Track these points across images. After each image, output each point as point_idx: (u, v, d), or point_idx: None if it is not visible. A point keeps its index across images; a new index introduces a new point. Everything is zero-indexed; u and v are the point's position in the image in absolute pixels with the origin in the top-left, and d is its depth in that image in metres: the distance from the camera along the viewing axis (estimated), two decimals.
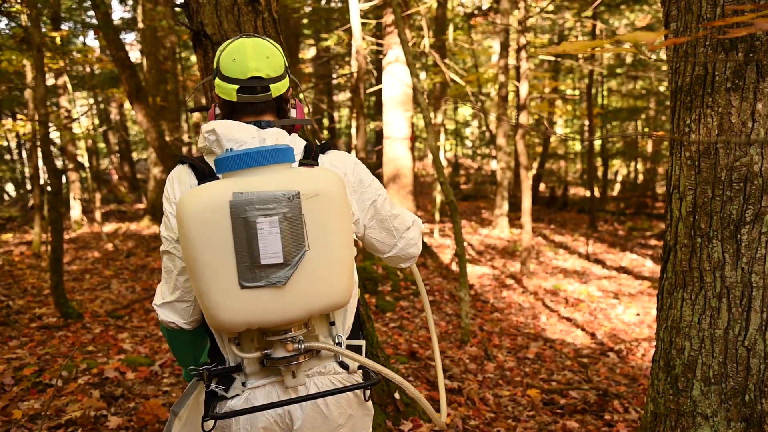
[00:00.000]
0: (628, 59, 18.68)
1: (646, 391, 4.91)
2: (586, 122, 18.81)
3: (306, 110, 2.07)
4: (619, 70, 19.07)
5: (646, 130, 21.40)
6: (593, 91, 17.88)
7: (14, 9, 9.71)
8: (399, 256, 1.97)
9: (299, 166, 1.73)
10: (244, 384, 1.70)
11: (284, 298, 1.54)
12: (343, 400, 1.74)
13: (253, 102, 1.79)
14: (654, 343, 6.51)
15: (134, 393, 4.33)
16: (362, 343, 1.80)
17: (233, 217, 1.48)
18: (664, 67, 17.16)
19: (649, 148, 21.17)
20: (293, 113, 1.91)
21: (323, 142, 1.85)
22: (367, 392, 1.79)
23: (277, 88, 1.81)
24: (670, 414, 2.64)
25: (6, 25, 14.53)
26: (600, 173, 20.84)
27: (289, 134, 1.83)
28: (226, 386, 1.69)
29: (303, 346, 1.62)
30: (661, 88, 19.35)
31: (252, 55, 1.79)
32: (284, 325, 1.59)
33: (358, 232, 1.89)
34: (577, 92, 21.49)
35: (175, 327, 1.77)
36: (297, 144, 1.80)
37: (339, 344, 1.73)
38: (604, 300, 9.29)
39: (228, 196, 1.48)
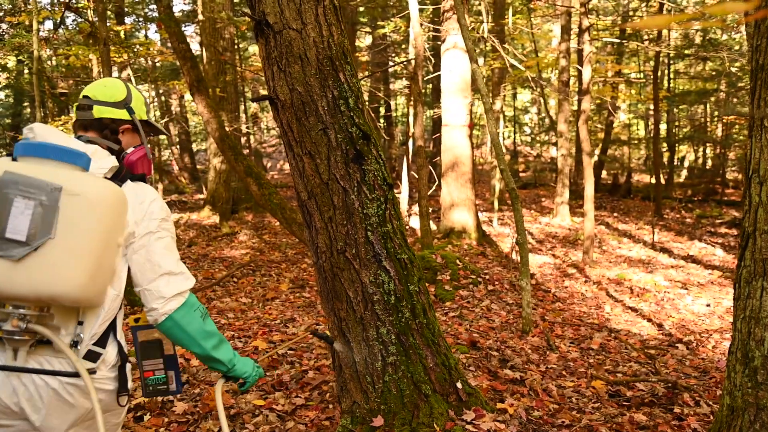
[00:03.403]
0: (698, 39, 17.97)
1: (718, 385, 4.73)
2: (651, 106, 18.22)
3: (149, 158, 2.20)
4: (687, 51, 18.36)
5: (716, 113, 20.60)
6: (659, 73, 17.27)
7: (81, 5, 10.02)
8: (151, 291, 1.95)
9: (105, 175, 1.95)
10: None
11: (15, 273, 1.69)
12: (66, 401, 1.83)
13: (82, 118, 2.12)
14: (728, 335, 6.22)
15: (199, 379, 4.42)
16: (103, 351, 1.90)
17: None
18: (737, 47, 16.45)
19: (719, 132, 20.36)
20: (131, 150, 2.13)
21: (140, 174, 2.08)
22: (122, 397, 1.97)
23: (100, 111, 2.11)
24: (749, 408, 2.53)
25: (73, 21, 15.01)
26: (666, 159, 20.18)
27: (121, 164, 2.05)
28: None
29: (26, 326, 1.74)
30: (734, 69, 18.55)
31: (94, 83, 2.20)
32: (12, 298, 1.73)
33: (127, 254, 1.97)
34: (641, 75, 20.82)
35: None
36: (106, 164, 1.97)
37: (77, 343, 1.83)
38: (672, 290, 8.99)
39: (1, 172, 1.72)
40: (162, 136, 25.45)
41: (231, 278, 9.39)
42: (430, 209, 11.78)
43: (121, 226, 1.89)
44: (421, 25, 9.72)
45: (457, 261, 8.17)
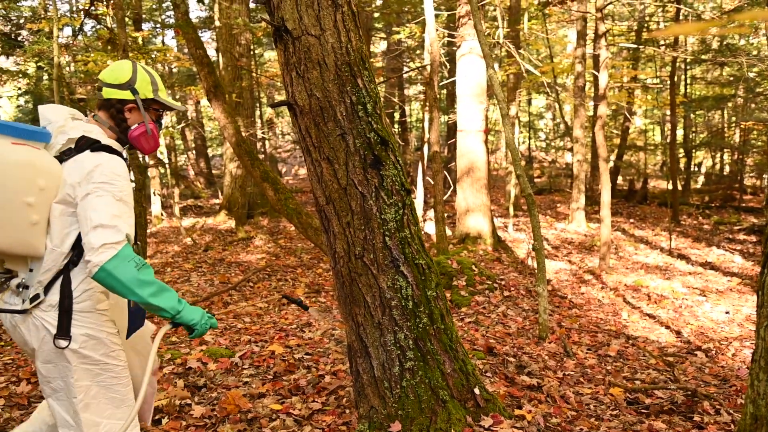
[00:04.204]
0: (715, 44, 17.82)
1: (739, 393, 4.67)
2: (668, 112, 18.09)
3: (150, 134, 2.52)
4: (704, 56, 18.21)
5: (734, 119, 20.40)
6: (675, 78, 17.13)
7: (101, 12, 10.12)
8: (86, 244, 2.17)
9: (64, 153, 2.31)
10: None
11: None
12: (32, 331, 2.26)
13: (98, 99, 2.48)
14: (748, 343, 6.13)
15: (216, 383, 4.43)
16: (42, 296, 2.24)
17: None
18: (755, 52, 16.30)
19: (737, 137, 20.16)
20: (134, 127, 2.48)
21: (100, 143, 2.32)
22: (58, 341, 2.23)
23: (108, 92, 2.44)
24: None
25: (91, 27, 15.17)
26: (682, 165, 20.01)
27: (124, 142, 2.49)
28: None
29: None
30: (752, 74, 18.37)
31: (108, 67, 2.52)
32: None
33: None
34: (657, 80, 20.67)
35: None
36: (70, 136, 2.33)
37: (24, 286, 2.25)
38: (690, 297, 8.90)
39: None
40: (179, 142, 25.61)
41: (247, 283, 9.41)
42: (445, 215, 11.76)
43: (29, 188, 2.17)
44: (437, 30, 9.73)
45: (473, 266, 8.14)
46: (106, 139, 2.40)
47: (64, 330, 2.23)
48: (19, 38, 15.92)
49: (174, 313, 2.28)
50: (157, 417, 3.79)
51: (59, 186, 2.26)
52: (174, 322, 2.33)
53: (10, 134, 2.19)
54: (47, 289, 2.25)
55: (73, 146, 2.32)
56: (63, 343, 2.23)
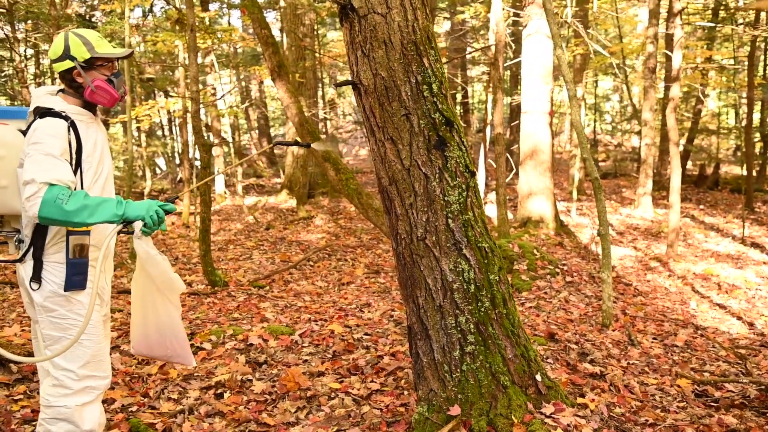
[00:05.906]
0: None
1: None
2: (744, 94, 17.28)
3: (101, 93, 2.67)
4: None
5: None
6: (754, 59, 16.32)
7: None
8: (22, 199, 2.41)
9: (30, 124, 2.54)
10: None
11: None
12: (22, 277, 2.58)
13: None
14: None
15: (276, 360, 4.50)
16: (25, 248, 2.57)
17: None
18: None
19: None
20: (88, 90, 2.64)
21: (49, 110, 2.54)
22: (31, 284, 2.53)
23: (56, 67, 2.65)
24: None
25: (161, 8, 15.50)
26: (758, 150, 19.12)
27: (90, 107, 2.69)
28: None
29: None
30: None
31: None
32: None
33: None
34: (733, 61, 19.75)
35: None
36: (31, 107, 2.59)
37: (20, 241, 2.61)
38: (764, 287, 8.53)
39: None
40: (242, 121, 26.02)
41: (307, 262, 9.52)
42: (507, 198, 11.59)
43: None
44: (502, 10, 9.51)
45: (535, 251, 8.01)
46: (64, 106, 2.61)
47: (35, 275, 2.54)
48: (93, 19, 16.43)
49: (117, 219, 2.46)
50: (219, 391, 3.88)
51: (20, 154, 2.55)
52: (125, 222, 2.53)
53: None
54: (32, 242, 2.56)
55: (35, 115, 2.58)
56: (35, 286, 2.54)
